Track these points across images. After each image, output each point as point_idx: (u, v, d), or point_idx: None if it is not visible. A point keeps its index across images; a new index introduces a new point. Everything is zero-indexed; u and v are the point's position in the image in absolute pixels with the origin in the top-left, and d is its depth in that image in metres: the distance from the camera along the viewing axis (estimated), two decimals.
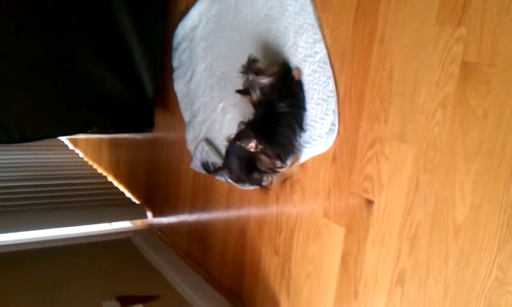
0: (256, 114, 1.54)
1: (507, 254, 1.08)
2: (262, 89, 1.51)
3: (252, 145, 1.45)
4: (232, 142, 1.52)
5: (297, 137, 1.55)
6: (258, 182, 1.58)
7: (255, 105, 1.54)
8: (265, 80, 1.50)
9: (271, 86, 1.50)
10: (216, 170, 1.73)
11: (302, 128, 1.55)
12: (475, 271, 1.14)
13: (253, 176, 1.53)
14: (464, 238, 1.16)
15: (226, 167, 1.59)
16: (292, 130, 1.52)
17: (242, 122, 1.52)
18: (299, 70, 1.58)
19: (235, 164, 1.53)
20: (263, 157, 1.48)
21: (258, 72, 1.51)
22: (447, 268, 1.20)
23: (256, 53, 1.64)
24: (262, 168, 1.51)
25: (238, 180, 1.60)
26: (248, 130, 1.48)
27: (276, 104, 1.49)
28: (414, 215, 1.27)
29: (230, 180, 1.62)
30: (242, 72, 1.55)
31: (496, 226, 1.10)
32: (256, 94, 1.52)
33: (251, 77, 1.52)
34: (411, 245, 1.28)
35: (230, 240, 2.00)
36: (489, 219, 1.11)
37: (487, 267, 1.12)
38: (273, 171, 1.52)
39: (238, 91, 1.60)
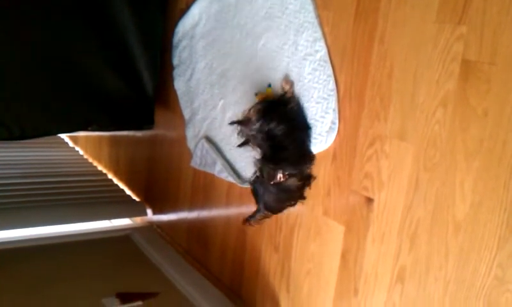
0: (265, 149, 1.51)
1: (507, 252, 1.09)
2: (259, 131, 1.50)
3: (280, 176, 1.42)
4: (260, 182, 1.49)
5: (308, 142, 1.55)
6: (297, 199, 1.54)
7: (260, 145, 1.52)
8: (255, 125, 1.49)
9: (262, 124, 1.49)
10: (254, 215, 1.59)
11: (308, 130, 1.55)
12: (475, 269, 1.15)
13: (291, 200, 1.52)
14: (464, 236, 1.17)
15: (262, 206, 1.52)
16: (299, 140, 1.53)
17: (257, 160, 1.50)
18: (288, 80, 1.59)
19: (272, 199, 1.49)
20: (291, 180, 1.46)
21: (246, 123, 1.51)
22: (447, 265, 1.21)
23: (255, 53, 1.65)
24: (295, 188, 1.48)
25: (280, 210, 1.56)
26: (269, 165, 1.45)
27: (274, 130, 1.48)
28: (414, 213, 1.28)
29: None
30: (232, 125, 1.57)
31: (496, 224, 1.10)
32: (257, 140, 1.51)
33: (242, 130, 1.53)
34: (411, 243, 1.29)
35: (230, 238, 2.00)
36: (489, 217, 1.12)
37: (487, 265, 1.12)
38: (304, 184, 1.50)
39: (239, 146, 1.61)
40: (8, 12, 1.93)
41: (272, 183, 1.44)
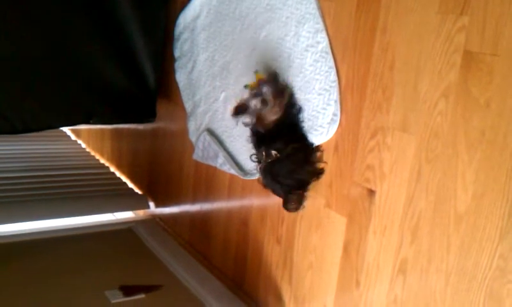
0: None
1: (509, 243, 1.08)
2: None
3: (274, 152, 1.42)
4: (264, 169, 1.47)
5: (299, 123, 1.55)
6: (312, 167, 1.50)
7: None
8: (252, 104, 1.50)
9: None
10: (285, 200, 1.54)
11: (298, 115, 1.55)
12: (476, 260, 1.15)
13: (304, 167, 1.48)
14: (466, 227, 1.17)
15: (280, 189, 1.48)
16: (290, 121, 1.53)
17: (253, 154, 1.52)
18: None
19: (283, 172, 1.45)
20: (289, 148, 1.44)
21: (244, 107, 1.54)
22: (449, 257, 1.20)
23: (257, 45, 1.65)
24: (300, 157, 1.46)
25: (302, 183, 1.49)
26: (262, 149, 1.45)
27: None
28: (416, 205, 1.28)
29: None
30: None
31: (498, 215, 1.10)
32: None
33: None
34: (413, 235, 1.29)
35: (233, 230, 2.00)
36: (491, 209, 1.11)
37: (488, 257, 1.12)
38: (307, 153, 1.49)
39: (233, 115, 1.61)
40: (9, 7, 1.92)
41: (270, 161, 1.42)
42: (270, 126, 1.48)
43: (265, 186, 1.49)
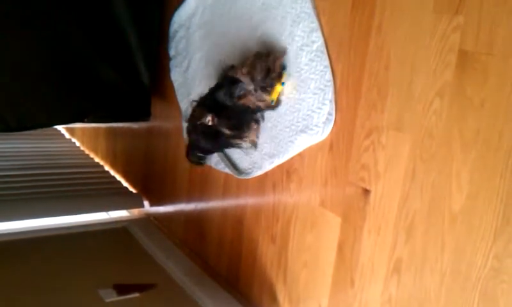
0: (207, 99, 1.62)
1: (503, 243, 1.09)
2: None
3: (209, 119, 1.54)
4: (191, 122, 1.64)
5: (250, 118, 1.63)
6: (227, 146, 1.68)
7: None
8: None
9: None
10: (188, 151, 1.80)
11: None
12: (471, 260, 1.15)
13: (219, 143, 1.64)
14: (461, 227, 1.17)
15: (193, 144, 1.70)
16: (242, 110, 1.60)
17: (194, 101, 1.67)
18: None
19: (200, 139, 1.64)
20: (222, 124, 1.56)
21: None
22: (443, 257, 1.21)
23: (252, 43, 1.64)
24: (226, 136, 1.59)
25: (207, 152, 1.74)
26: (203, 109, 1.58)
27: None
28: (410, 204, 1.28)
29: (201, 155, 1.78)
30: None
31: (493, 215, 1.10)
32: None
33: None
34: (408, 234, 1.29)
35: (227, 229, 2.00)
36: (486, 208, 1.12)
37: (483, 256, 1.12)
38: (235, 136, 1.60)
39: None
40: (3, 6, 1.92)
41: (199, 123, 1.57)
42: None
43: (188, 134, 1.69)
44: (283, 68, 1.58)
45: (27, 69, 2.06)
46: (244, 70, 1.54)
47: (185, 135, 2.19)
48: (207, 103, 1.61)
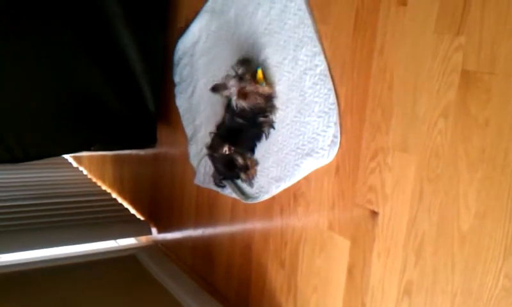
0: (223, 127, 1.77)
1: None
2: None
3: (226, 149, 1.68)
4: (211, 150, 1.77)
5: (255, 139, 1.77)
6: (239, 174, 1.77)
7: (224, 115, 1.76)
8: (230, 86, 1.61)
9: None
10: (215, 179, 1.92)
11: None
12: (481, 281, 1.14)
13: (235, 171, 1.74)
14: (470, 247, 1.16)
15: (216, 170, 1.83)
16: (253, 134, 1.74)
17: (211, 132, 1.79)
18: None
19: (219, 167, 1.79)
20: (237, 155, 1.70)
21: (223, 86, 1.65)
22: (454, 278, 1.19)
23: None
24: (239, 164, 1.71)
25: (226, 177, 1.84)
26: (218, 139, 1.74)
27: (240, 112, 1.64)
28: (419, 226, 1.27)
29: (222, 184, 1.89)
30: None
31: (502, 234, 1.09)
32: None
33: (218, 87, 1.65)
34: (417, 256, 1.28)
35: (235, 254, 1.99)
36: (494, 228, 1.11)
37: (493, 276, 1.11)
38: (247, 166, 1.73)
39: (212, 90, 1.68)
40: (8, 35, 1.94)
41: (217, 155, 1.73)
42: (247, 109, 1.61)
43: (212, 160, 1.81)
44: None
45: (33, 99, 2.08)
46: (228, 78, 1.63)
47: (191, 161, 2.20)
48: (222, 132, 1.76)
